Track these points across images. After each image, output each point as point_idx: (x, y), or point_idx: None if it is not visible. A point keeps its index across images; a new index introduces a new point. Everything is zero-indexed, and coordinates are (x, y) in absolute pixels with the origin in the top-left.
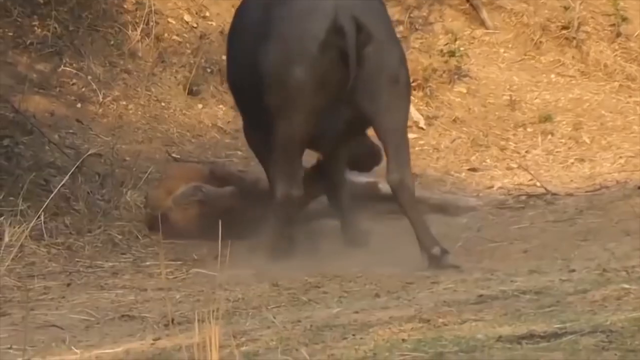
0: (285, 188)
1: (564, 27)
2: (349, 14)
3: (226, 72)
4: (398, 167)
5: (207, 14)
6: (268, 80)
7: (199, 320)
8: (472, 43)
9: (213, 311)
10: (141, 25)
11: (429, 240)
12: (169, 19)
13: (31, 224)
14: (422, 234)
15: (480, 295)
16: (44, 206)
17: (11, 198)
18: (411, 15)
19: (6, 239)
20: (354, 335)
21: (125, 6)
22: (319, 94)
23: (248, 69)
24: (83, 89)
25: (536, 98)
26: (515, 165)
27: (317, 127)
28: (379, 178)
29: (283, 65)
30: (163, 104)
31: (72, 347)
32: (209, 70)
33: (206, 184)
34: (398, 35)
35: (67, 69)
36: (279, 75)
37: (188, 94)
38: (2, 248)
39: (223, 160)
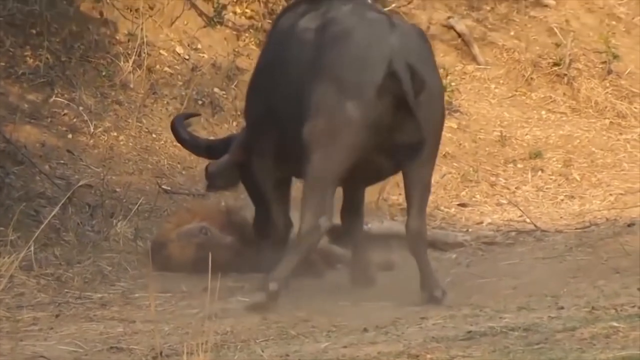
0: (313, 218)
1: (555, 64)
2: (404, 60)
3: (250, 104)
4: (418, 215)
5: (199, 46)
6: (315, 115)
7: (187, 353)
8: (464, 78)
9: (202, 344)
10: (133, 57)
11: (432, 283)
12: (161, 51)
13: (21, 255)
14: (427, 277)
15: (469, 332)
16: (34, 237)
17: (1, 228)
18: None
19: None
20: None
21: (117, 37)
22: (367, 135)
23: (288, 101)
24: (74, 120)
25: (527, 134)
26: (505, 201)
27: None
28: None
29: (337, 103)
30: (154, 135)
31: None
32: (200, 102)
33: (219, 224)
34: None
35: (59, 99)
36: (331, 112)
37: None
38: None
39: (242, 204)
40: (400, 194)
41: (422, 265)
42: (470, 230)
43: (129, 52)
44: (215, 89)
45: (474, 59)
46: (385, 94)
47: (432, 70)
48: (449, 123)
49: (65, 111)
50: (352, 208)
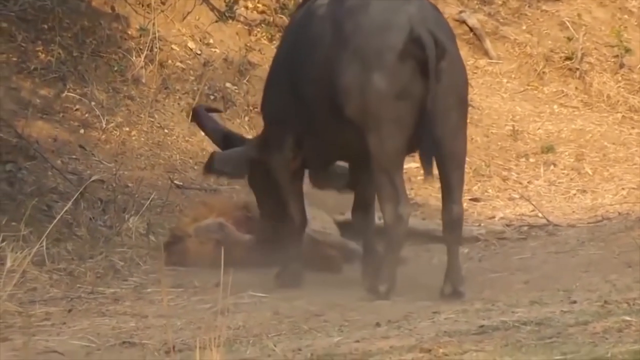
0: (392, 209)
1: (567, 58)
2: (425, 27)
3: (270, 96)
4: (459, 199)
5: (211, 41)
6: (348, 99)
7: (200, 348)
8: (476, 73)
9: (214, 339)
10: (145, 52)
11: (458, 277)
12: (173, 46)
13: (33, 250)
14: (453, 270)
15: (481, 326)
16: (47, 232)
17: (13, 223)
18: None
19: (8, 264)
20: None
21: (129, 32)
22: (401, 104)
23: (310, 87)
24: (86, 115)
25: (539, 128)
26: (517, 196)
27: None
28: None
29: (364, 79)
30: (166, 130)
31: None
32: (212, 97)
33: (235, 220)
34: None
35: (71, 94)
36: (361, 89)
37: (191, 121)
38: (4, 273)
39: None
40: (411, 189)
41: (452, 256)
42: (482, 224)
43: (141, 47)
44: (227, 84)
45: (485, 53)
46: (407, 59)
47: (451, 39)
48: None
49: (77, 106)
50: (363, 206)
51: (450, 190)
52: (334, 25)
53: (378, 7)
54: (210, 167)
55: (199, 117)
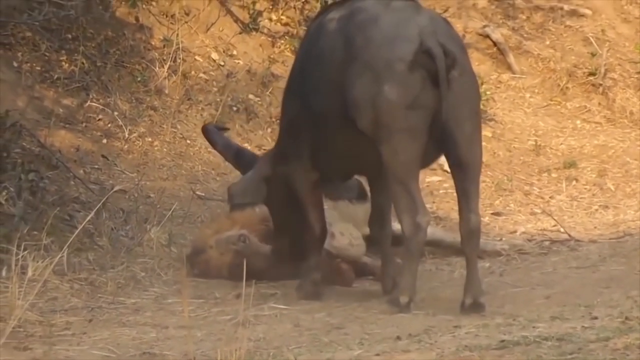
0: (410, 219)
1: (591, 74)
2: (435, 38)
3: (286, 107)
4: (477, 208)
5: (235, 52)
6: (358, 111)
7: (220, 359)
8: (499, 87)
9: (235, 350)
10: (168, 62)
11: (478, 288)
12: (196, 57)
13: (55, 259)
14: (473, 281)
15: (502, 341)
16: (68, 242)
17: (35, 232)
18: None
19: (29, 273)
20: None
21: (152, 43)
22: (413, 115)
23: (322, 97)
24: (109, 125)
25: (561, 144)
26: (539, 211)
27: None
28: None
29: (375, 90)
30: (188, 141)
31: None
32: (235, 108)
33: (259, 233)
34: None
35: (94, 104)
36: (373, 101)
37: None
38: (25, 282)
39: None
40: (433, 202)
41: (471, 268)
42: (504, 239)
43: (164, 57)
44: (250, 96)
45: (509, 67)
46: (417, 70)
47: (463, 51)
48: (484, 132)
49: (100, 116)
50: (380, 216)
51: (468, 200)
52: (344, 39)
53: (387, 20)
54: (233, 203)
55: (210, 134)
